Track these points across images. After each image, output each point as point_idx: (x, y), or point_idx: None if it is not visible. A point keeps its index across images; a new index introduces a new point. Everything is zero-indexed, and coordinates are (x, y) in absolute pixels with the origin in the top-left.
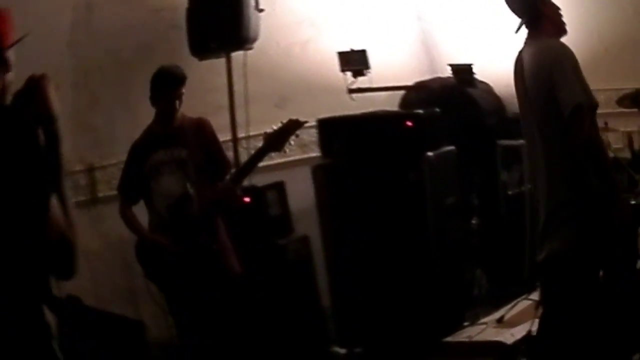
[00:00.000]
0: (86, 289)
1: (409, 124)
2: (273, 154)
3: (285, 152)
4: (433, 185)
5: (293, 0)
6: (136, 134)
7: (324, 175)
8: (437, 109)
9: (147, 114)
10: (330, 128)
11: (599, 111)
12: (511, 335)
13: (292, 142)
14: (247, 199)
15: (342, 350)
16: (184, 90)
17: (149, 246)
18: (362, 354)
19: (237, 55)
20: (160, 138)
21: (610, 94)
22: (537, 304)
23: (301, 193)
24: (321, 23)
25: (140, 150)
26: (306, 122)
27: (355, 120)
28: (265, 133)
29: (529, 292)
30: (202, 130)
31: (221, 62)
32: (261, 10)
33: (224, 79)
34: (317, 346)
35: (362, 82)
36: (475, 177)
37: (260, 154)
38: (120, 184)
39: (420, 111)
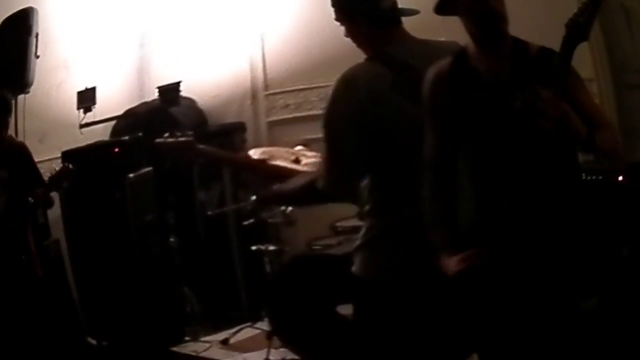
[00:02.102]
0: None
1: (116, 150)
2: None
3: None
4: (134, 203)
5: (54, 44)
6: None
7: (65, 195)
8: (140, 133)
9: None
10: (67, 159)
11: None
12: None
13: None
14: None
15: (94, 342)
16: (9, 119)
17: None
18: (108, 347)
19: (21, 97)
20: None
21: None
22: (268, 334)
23: (55, 206)
24: (72, 65)
25: None
26: (75, 169)
27: (81, 151)
28: (49, 177)
29: (254, 320)
30: (25, 152)
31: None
32: (38, 57)
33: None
34: (74, 336)
35: (89, 117)
36: (169, 197)
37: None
38: None
39: (125, 138)
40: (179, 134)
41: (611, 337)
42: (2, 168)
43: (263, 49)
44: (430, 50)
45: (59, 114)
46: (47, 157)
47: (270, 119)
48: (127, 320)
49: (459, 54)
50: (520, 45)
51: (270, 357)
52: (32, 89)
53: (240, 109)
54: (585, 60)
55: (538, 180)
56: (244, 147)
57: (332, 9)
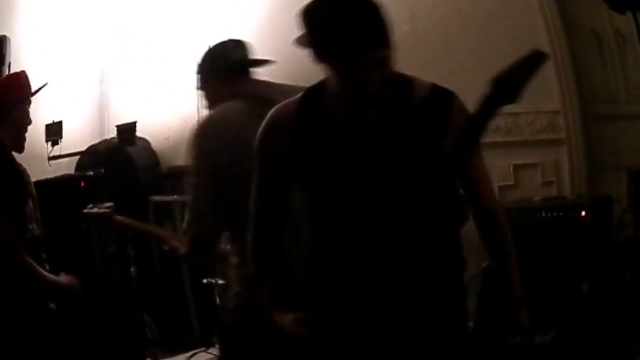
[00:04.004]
0: None
1: (82, 184)
2: None
3: None
4: (98, 235)
5: None
6: None
7: None
8: (102, 170)
9: None
10: (38, 189)
11: None
12: None
13: None
14: None
15: None
16: None
17: None
18: None
19: None
20: None
21: None
22: (219, 358)
23: None
24: (36, 98)
25: None
26: None
27: (51, 182)
28: None
29: (207, 346)
30: None
31: None
32: None
33: None
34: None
35: (57, 150)
36: (128, 231)
37: None
38: None
39: (90, 173)
40: (101, 205)
41: None
42: None
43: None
44: (281, 88)
45: (28, 145)
46: None
47: None
48: (95, 341)
49: (311, 91)
50: (404, 85)
51: None
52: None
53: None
54: (552, 92)
55: (399, 229)
56: None
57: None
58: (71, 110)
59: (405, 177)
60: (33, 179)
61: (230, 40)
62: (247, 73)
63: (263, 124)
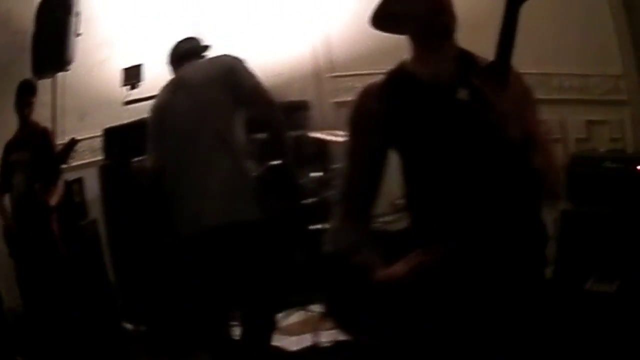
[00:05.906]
0: None
1: None
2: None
3: (69, 163)
4: None
5: (96, 23)
6: None
7: (105, 173)
8: None
9: (3, 122)
10: (110, 136)
11: None
12: (293, 343)
13: (73, 155)
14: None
15: (130, 326)
16: (33, 100)
17: (13, 230)
18: (146, 333)
19: (61, 75)
20: (17, 141)
21: None
22: (322, 316)
23: (92, 187)
24: (115, 43)
25: (7, 149)
26: (79, 140)
27: (126, 128)
28: (57, 152)
29: (308, 303)
30: (47, 137)
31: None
32: (78, 35)
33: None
34: (107, 321)
35: (135, 93)
36: None
37: (57, 163)
38: None
39: None
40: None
41: (632, 319)
42: (24, 150)
43: (327, 33)
44: (204, 63)
45: (101, 91)
46: (88, 135)
47: (337, 99)
48: (168, 304)
49: (395, 66)
50: (468, 54)
51: (322, 339)
52: (73, 66)
53: (302, 88)
54: (615, 59)
55: (486, 180)
56: (307, 124)
57: None
58: (156, 52)
59: (486, 137)
60: (106, 125)
61: (184, 38)
62: (184, 61)
63: (355, 97)
